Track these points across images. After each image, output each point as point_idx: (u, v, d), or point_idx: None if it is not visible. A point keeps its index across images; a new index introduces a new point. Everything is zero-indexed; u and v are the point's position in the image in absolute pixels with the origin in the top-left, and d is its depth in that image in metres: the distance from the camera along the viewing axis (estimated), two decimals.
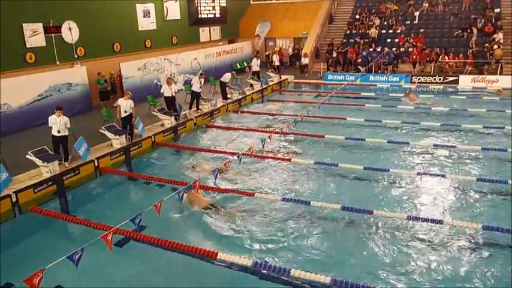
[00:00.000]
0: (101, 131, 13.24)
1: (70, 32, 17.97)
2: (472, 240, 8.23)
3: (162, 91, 16.25)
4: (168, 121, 15.63)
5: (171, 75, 21.48)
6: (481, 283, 7.04)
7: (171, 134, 15.49)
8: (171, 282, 7.33)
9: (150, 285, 7.24)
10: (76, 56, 18.43)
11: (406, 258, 7.76)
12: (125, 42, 20.97)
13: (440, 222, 8.75)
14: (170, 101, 16.10)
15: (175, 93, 16.23)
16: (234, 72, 21.41)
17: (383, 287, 6.73)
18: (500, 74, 23.39)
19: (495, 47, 24.37)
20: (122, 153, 13.18)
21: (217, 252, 7.76)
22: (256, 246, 8.26)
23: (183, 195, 8.95)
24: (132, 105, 13.59)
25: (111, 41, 20.28)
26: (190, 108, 17.59)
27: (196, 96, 17.57)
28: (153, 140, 14.52)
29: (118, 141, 13.23)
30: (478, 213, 9.30)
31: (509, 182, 10.39)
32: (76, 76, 17.68)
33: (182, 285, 7.26)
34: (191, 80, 18.49)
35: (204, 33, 27.82)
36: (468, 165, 12.11)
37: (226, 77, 19.52)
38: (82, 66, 18.24)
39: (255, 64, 23.30)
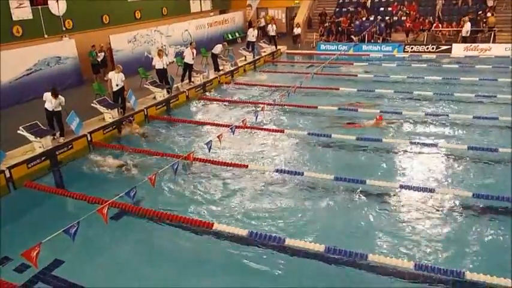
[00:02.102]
0: (92, 104, 13.13)
1: (57, 4, 17.53)
2: (464, 208, 8.38)
3: (153, 64, 16.03)
4: (160, 94, 15.51)
5: (162, 47, 21.15)
6: (472, 247, 7.23)
7: (163, 107, 15.40)
8: (167, 254, 7.44)
9: (148, 257, 7.34)
10: (64, 29, 18.03)
11: (399, 226, 7.91)
12: (114, 14, 20.52)
13: (432, 190, 8.89)
14: (162, 73, 15.93)
15: (167, 65, 16.04)
16: (225, 43, 21.12)
17: (376, 254, 6.88)
18: (493, 42, 23.29)
19: (488, 14, 24.17)
20: (114, 127, 13.12)
21: (212, 223, 7.86)
22: (251, 216, 8.37)
23: (177, 167, 8.96)
24: (123, 79, 13.44)
25: (99, 13, 19.83)
26: (182, 80, 17.42)
27: (188, 69, 17.38)
28: (145, 113, 14.43)
29: (110, 115, 13.14)
30: (468, 181, 9.44)
31: (499, 150, 10.52)
32: (65, 49, 17.35)
33: (178, 257, 7.36)
34: (183, 52, 18.24)
35: (194, 3, 27.27)
36: (460, 133, 12.22)
37: (218, 48, 19.27)
38: (71, 39, 17.87)
39: (251, 34, 22.97)
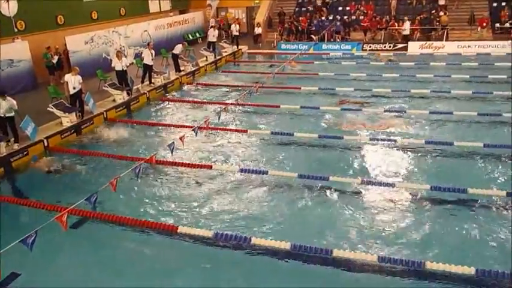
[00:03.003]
0: (48, 108, 12.68)
1: (7, 4, 16.78)
2: (423, 200, 8.65)
3: (113, 65, 15.66)
4: (120, 96, 15.17)
5: (120, 48, 20.69)
6: (432, 237, 7.46)
7: (123, 109, 15.07)
8: (131, 260, 7.27)
9: (111, 265, 7.15)
10: (16, 31, 17.29)
11: (362, 220, 8.06)
12: (69, 15, 19.87)
13: (392, 185, 9.13)
14: (121, 75, 15.58)
15: (127, 66, 15.70)
16: (185, 43, 20.88)
17: (341, 250, 6.98)
18: (446, 39, 24.22)
19: (441, 13, 25.11)
20: (73, 131, 12.72)
21: (177, 226, 7.76)
22: (217, 217, 8.31)
23: (139, 171, 8.79)
24: (81, 81, 13.03)
25: (53, 14, 19.16)
26: (142, 82, 17.10)
27: (148, 70, 17.08)
28: (105, 116, 14.07)
29: (68, 119, 12.74)
30: (427, 175, 9.75)
31: (455, 143, 10.93)
32: (18, 52, 16.63)
33: (143, 262, 7.20)
34: (141, 53, 17.91)
35: (153, 4, 26.83)
36: (417, 128, 12.60)
37: (178, 48, 19.04)
38: (23, 41, 17.17)
39: (211, 34, 22.84)
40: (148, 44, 17.38)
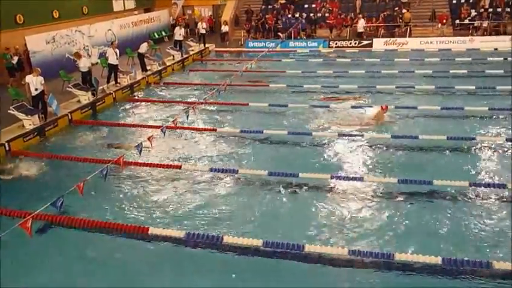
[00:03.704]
0: (9, 111, 12.22)
1: None
2: (390, 193, 8.84)
3: (81, 65, 15.27)
4: (85, 97, 14.79)
5: (84, 48, 20.20)
6: (400, 229, 7.64)
7: (89, 110, 14.71)
8: (102, 263, 7.10)
9: (82, 270, 6.96)
10: None
11: (332, 215, 8.17)
12: (29, 14, 19.16)
13: (361, 179, 9.30)
14: (84, 75, 15.19)
15: (88, 67, 15.24)
16: (150, 41, 20.48)
17: (312, 245, 7.05)
18: (409, 36, 24.83)
19: (404, 10, 25.73)
20: (36, 134, 12.32)
21: (148, 227, 7.64)
22: (188, 217, 8.24)
23: (107, 173, 8.61)
24: (43, 82, 12.63)
25: (12, 13, 18.43)
26: (108, 82, 16.73)
27: (113, 69, 16.72)
28: (69, 117, 13.70)
29: (30, 122, 12.33)
30: (394, 168, 9.97)
31: (420, 137, 11.22)
32: None
33: (114, 265, 7.06)
34: (106, 52, 17.53)
35: (117, 2, 26.25)
36: (384, 123, 12.85)
37: (143, 46, 18.71)
38: None
39: (178, 33, 22.58)
40: (112, 43, 17.03)
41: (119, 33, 23.58)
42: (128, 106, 15.70)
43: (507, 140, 10.99)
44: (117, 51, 16.53)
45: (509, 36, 23.41)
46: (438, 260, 6.49)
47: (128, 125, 13.56)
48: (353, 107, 14.29)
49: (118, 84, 16.85)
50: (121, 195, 9.15)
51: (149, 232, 7.56)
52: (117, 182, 9.71)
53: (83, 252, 7.35)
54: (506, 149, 10.65)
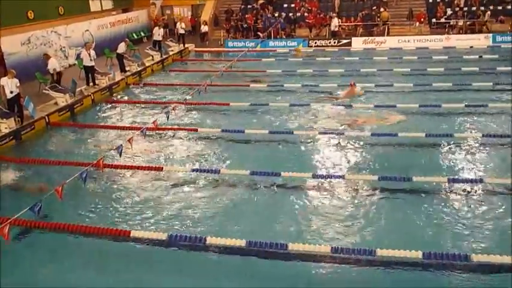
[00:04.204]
0: None
1: None
2: (372, 190, 8.93)
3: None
4: (63, 99, 14.54)
5: (61, 49, 19.86)
6: (382, 225, 7.74)
7: (67, 112, 14.46)
8: (83, 269, 6.98)
9: (62, 277, 6.82)
10: None
11: (315, 213, 8.22)
12: (2, 14, 18.70)
13: (342, 177, 9.37)
14: (52, 77, 14.88)
15: (54, 68, 14.92)
16: (127, 40, 20.14)
17: (296, 243, 7.07)
18: (388, 35, 25.16)
19: (382, 9, 26.06)
20: (12, 137, 12.05)
21: (129, 231, 7.55)
22: (170, 219, 8.17)
23: (86, 176, 8.47)
24: (18, 84, 12.37)
25: None
26: (87, 84, 16.48)
27: (89, 71, 16.44)
28: (47, 120, 13.44)
29: (6, 125, 12.06)
30: (374, 165, 10.08)
31: (399, 134, 11.37)
32: None
33: (97, 270, 6.94)
34: (80, 54, 17.25)
35: (94, 2, 25.85)
36: (363, 121, 12.97)
37: (121, 47, 18.48)
38: None
39: (157, 33, 22.39)
40: (85, 45, 16.76)
41: (97, 34, 23.26)
42: (107, 108, 15.49)
43: (483, 135, 11.22)
44: (91, 53, 16.19)
45: (484, 35, 23.96)
46: (419, 254, 6.59)
47: (107, 126, 13.38)
48: (333, 104, 14.39)
49: (96, 86, 16.61)
50: (102, 199, 9.01)
51: (131, 235, 7.47)
52: (97, 185, 9.57)
53: (61, 257, 7.21)
54: (482, 145, 10.87)
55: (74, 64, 19.01)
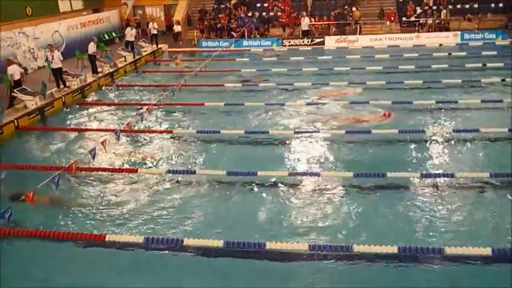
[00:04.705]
0: None
1: None
2: (347, 187, 9.03)
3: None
4: (32, 102, 14.16)
5: (29, 50, 19.34)
6: (355, 221, 7.84)
7: (37, 116, 14.09)
8: (59, 276, 6.80)
9: (35, 285, 6.65)
10: None
11: (292, 211, 8.27)
12: None
13: (317, 175, 9.45)
14: (17, 82, 14.43)
15: (17, 78, 14.49)
16: (95, 38, 19.61)
17: (273, 242, 7.09)
18: (360, 33, 25.51)
19: (354, 8, 26.41)
20: None
21: (105, 235, 7.42)
22: (147, 221, 8.06)
23: (58, 180, 8.28)
24: None
25: None
26: (58, 86, 16.09)
27: (57, 73, 16.04)
28: (16, 124, 13.07)
29: None
30: (349, 162, 10.19)
31: (373, 131, 11.55)
32: None
33: (72, 276, 6.79)
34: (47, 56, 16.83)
35: (63, 2, 25.25)
36: (338, 118, 13.12)
37: (91, 47, 18.06)
38: None
39: (129, 34, 22.06)
40: (50, 47, 16.38)
41: (67, 35, 22.78)
42: (79, 110, 15.17)
43: (454, 131, 11.51)
44: (56, 55, 15.77)
45: (453, 32, 24.58)
46: (394, 249, 6.71)
47: (79, 129, 13.10)
48: (308, 104, 14.50)
49: (67, 88, 16.23)
50: (75, 203, 8.82)
51: (106, 239, 7.34)
52: (69, 189, 9.36)
53: (35, 265, 7.02)
54: (453, 140, 11.14)
55: (44, 66, 18.53)
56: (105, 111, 14.93)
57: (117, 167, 10.20)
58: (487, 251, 6.55)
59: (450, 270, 6.53)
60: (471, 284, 6.28)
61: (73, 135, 12.68)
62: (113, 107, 15.27)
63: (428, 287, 6.32)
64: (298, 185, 9.21)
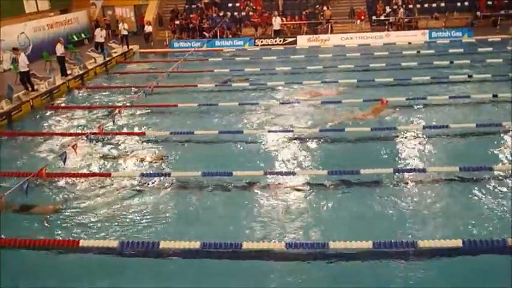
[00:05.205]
0: None
1: None
2: (322, 185, 9.10)
3: None
4: None
5: None
6: (332, 218, 7.94)
7: (3, 120, 13.66)
8: (31, 283, 6.63)
9: None
10: None
11: (268, 210, 8.27)
12: None
13: (293, 173, 9.50)
14: None
15: None
16: (61, 39, 19.08)
17: (250, 242, 7.09)
18: (331, 32, 25.79)
19: (325, 8, 26.68)
20: None
21: (78, 240, 7.26)
22: (121, 225, 7.93)
23: (28, 186, 8.04)
24: None
25: None
26: (27, 89, 15.62)
27: (24, 76, 15.58)
28: None
29: None
30: (323, 160, 10.29)
31: (346, 129, 11.69)
32: None
33: (45, 283, 6.62)
34: (16, 58, 16.33)
35: (29, 3, 24.56)
36: (310, 117, 13.23)
37: (58, 48, 17.61)
38: None
39: (99, 35, 21.63)
40: (14, 50, 15.91)
41: (34, 37, 22.19)
42: (48, 114, 14.78)
43: (424, 127, 11.77)
44: (21, 57, 15.34)
45: (421, 31, 25.15)
46: (369, 244, 6.81)
47: (49, 133, 12.77)
48: (282, 103, 14.56)
49: (36, 91, 15.78)
50: (45, 210, 8.56)
51: (80, 245, 7.18)
52: (40, 195, 9.09)
53: (7, 275, 6.81)
54: (424, 136, 11.40)
55: (10, 69, 17.99)
56: (76, 114, 14.59)
57: (90, 171, 9.99)
58: (458, 242, 6.73)
59: (423, 262, 6.67)
60: (443, 274, 6.43)
61: (42, 139, 12.33)
62: (83, 110, 14.95)
63: (403, 280, 6.43)
64: (274, 184, 9.23)
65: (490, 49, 21.20)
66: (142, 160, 10.67)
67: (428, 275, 6.46)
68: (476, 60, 18.95)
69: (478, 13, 26.52)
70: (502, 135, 11.15)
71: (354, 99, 14.32)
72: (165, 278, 6.61)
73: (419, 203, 8.33)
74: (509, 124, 11.48)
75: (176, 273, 6.72)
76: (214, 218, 8.17)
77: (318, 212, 8.19)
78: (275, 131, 12.03)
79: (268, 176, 9.45)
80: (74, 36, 26.18)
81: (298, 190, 8.97)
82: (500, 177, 8.97)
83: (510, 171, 9.14)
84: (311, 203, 8.48)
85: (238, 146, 11.40)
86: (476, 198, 8.34)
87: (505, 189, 8.53)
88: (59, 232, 7.79)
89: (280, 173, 9.56)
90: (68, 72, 18.13)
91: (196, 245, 7.02)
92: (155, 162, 10.46)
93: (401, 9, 26.25)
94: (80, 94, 17.14)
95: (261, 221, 7.96)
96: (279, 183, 9.23)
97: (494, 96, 13.85)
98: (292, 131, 11.96)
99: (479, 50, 21.30)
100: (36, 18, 23.82)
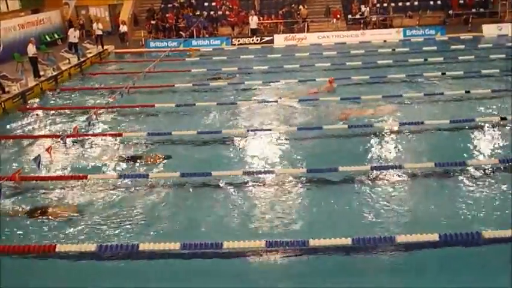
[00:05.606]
0: None
1: None
2: (301, 183, 9.16)
3: None
4: None
5: None
6: (313, 216, 7.97)
7: None
8: None
9: None
10: None
11: (248, 210, 8.25)
12: None
13: (272, 172, 9.52)
14: None
15: None
16: (32, 39, 18.59)
17: (230, 241, 7.06)
18: (308, 31, 25.96)
19: (301, 7, 26.84)
20: None
21: (54, 245, 7.09)
22: (100, 228, 7.79)
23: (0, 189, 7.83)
24: None
25: None
26: None
27: None
28: None
29: None
30: (303, 158, 10.35)
31: (324, 127, 11.78)
32: None
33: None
34: None
35: None
36: (289, 116, 13.28)
37: (30, 49, 17.19)
38: None
39: (72, 35, 21.21)
40: None
41: (4, 37, 21.61)
42: (20, 116, 14.40)
43: (400, 124, 11.96)
44: None
45: (396, 29, 25.56)
46: (348, 241, 6.87)
47: (22, 136, 12.46)
48: (259, 102, 14.57)
49: (7, 93, 15.37)
50: (20, 214, 8.37)
51: (57, 249, 7.03)
52: (13, 200, 8.85)
53: None
54: (400, 133, 11.58)
55: None
56: (50, 116, 14.28)
57: (65, 174, 9.79)
58: (435, 236, 6.86)
59: (401, 258, 6.79)
60: (422, 267, 6.55)
61: (15, 142, 12.04)
62: (57, 111, 14.63)
63: (381, 274, 6.52)
64: (253, 183, 9.22)
65: (462, 47, 21.71)
66: (119, 161, 10.52)
67: (406, 268, 6.56)
68: (449, 58, 19.36)
69: (451, 11, 27.12)
70: (474, 130, 11.42)
71: (331, 97, 14.43)
72: (145, 280, 6.53)
73: (396, 198, 8.45)
74: (481, 119, 11.78)
75: (156, 275, 6.65)
76: (193, 218, 8.09)
77: (297, 210, 8.22)
78: (254, 130, 12.03)
79: (247, 175, 9.43)
80: (47, 37, 25.64)
81: (278, 189, 8.98)
82: (474, 172, 9.19)
83: (483, 166, 9.37)
84: (291, 201, 8.50)
85: (217, 145, 11.35)
86: (451, 192, 8.52)
87: (479, 183, 8.74)
88: (34, 237, 7.61)
89: (260, 172, 9.56)
90: (41, 73, 17.73)
91: (176, 246, 6.95)
92: (133, 164, 10.33)
93: (368, 8, 26.61)
94: (54, 96, 16.77)
95: (242, 220, 7.94)
96: (258, 182, 9.23)
97: (467, 92, 14.18)
98: (270, 130, 11.98)
99: (452, 47, 21.79)
100: (6, 18, 23.20)
